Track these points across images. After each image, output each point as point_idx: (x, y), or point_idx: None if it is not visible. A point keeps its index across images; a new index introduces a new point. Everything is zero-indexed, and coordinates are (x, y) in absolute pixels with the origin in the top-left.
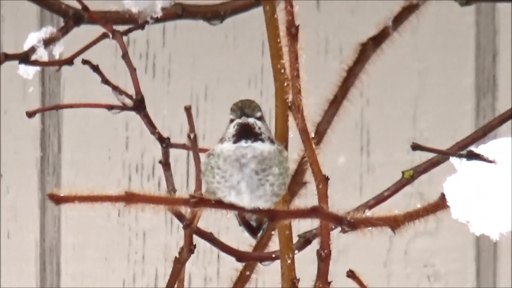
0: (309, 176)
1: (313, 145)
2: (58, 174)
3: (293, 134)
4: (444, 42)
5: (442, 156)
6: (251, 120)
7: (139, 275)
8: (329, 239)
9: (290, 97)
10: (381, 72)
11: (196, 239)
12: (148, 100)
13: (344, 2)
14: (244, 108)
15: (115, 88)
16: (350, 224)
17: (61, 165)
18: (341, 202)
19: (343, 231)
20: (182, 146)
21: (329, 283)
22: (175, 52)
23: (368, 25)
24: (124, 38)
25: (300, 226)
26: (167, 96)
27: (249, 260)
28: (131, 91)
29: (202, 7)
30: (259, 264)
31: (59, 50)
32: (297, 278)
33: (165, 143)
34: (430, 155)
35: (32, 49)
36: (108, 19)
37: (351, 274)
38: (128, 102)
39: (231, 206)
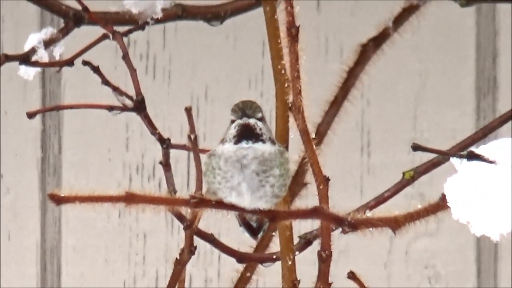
0: (309, 177)
1: (314, 146)
2: (58, 174)
3: (294, 135)
4: (445, 43)
5: (442, 157)
6: (252, 121)
7: (140, 276)
8: (329, 240)
9: (290, 98)
10: (382, 73)
11: (197, 240)
12: (149, 101)
13: (344, 3)
14: (245, 108)
15: (116, 89)
16: (351, 225)
17: (61, 166)
18: (341, 202)
19: (344, 232)
20: (183, 147)
21: (330, 284)
22: (176, 53)
23: (369, 26)
24: (125, 39)
25: (301, 227)
26: (168, 97)
27: (250, 261)
28: (132, 92)
29: (202, 8)
30: (259, 265)
31: (59, 51)
32: (298, 279)
33: (166, 143)
34: (431, 156)
35: (33, 50)
36: (108, 20)
37: (351, 275)
38: (129, 103)
39: (231, 207)
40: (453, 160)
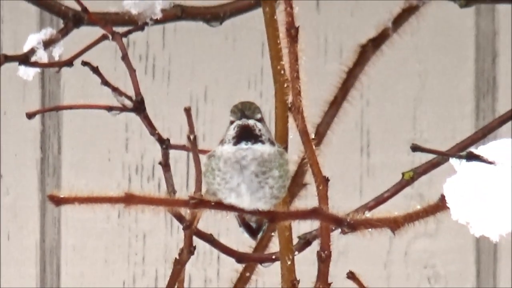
0: (309, 177)
1: (313, 146)
2: (58, 175)
3: (293, 135)
4: (444, 44)
5: (442, 157)
6: (251, 122)
7: (139, 276)
8: (329, 240)
9: (290, 99)
10: (381, 73)
11: (196, 240)
12: (148, 101)
13: (344, 3)
14: (244, 109)
15: (115, 90)
16: (350, 225)
17: (61, 166)
18: (341, 203)
19: (343, 232)
20: (182, 147)
21: (329, 284)
22: (175, 53)
23: (368, 26)
24: (124, 40)
25: (300, 227)
26: (167, 97)
27: (249, 261)
28: (131, 92)
29: (201, 8)
30: (259, 266)
31: (58, 52)
32: (297, 279)
33: (165, 144)
34: (430, 156)
35: (32, 51)
36: (107, 20)
37: (351, 275)
38: (128, 103)
39: (231, 208)
40: (453, 161)
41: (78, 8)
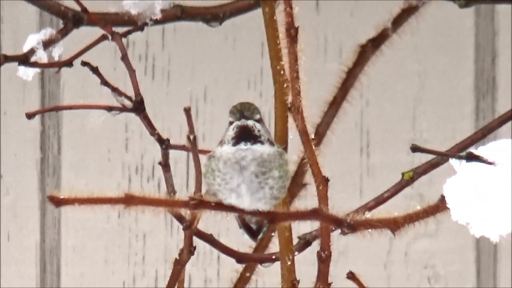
0: (309, 178)
1: (313, 147)
2: (58, 175)
3: (293, 135)
4: (444, 44)
5: (441, 158)
6: (250, 123)
7: (139, 276)
8: (329, 241)
9: (289, 99)
10: (381, 73)
11: (196, 240)
12: (148, 102)
13: (344, 4)
14: (243, 110)
15: (115, 90)
16: (350, 226)
17: (61, 166)
18: (341, 203)
19: (343, 233)
20: (182, 148)
21: (329, 284)
22: (175, 53)
23: (368, 26)
24: (124, 40)
25: (300, 227)
26: (167, 98)
27: (249, 262)
28: (131, 92)
29: (201, 9)
30: (259, 266)
31: (58, 52)
32: (297, 279)
33: (165, 144)
34: (430, 157)
35: (32, 51)
36: (107, 21)
37: (351, 276)
38: (128, 103)
39: (231, 208)
40: (452, 161)
41: (77, 8)
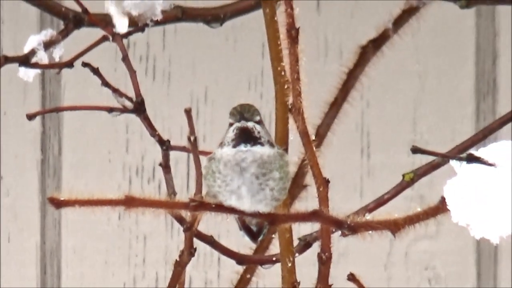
0: (309, 179)
1: (314, 148)
2: (58, 176)
3: (294, 136)
4: (444, 45)
5: (442, 159)
6: (250, 124)
7: (140, 278)
8: (329, 242)
9: (290, 100)
10: (381, 74)
11: (197, 242)
12: (148, 103)
13: (344, 4)
14: (243, 112)
15: (115, 91)
16: (350, 228)
17: (61, 168)
18: (341, 204)
19: (343, 235)
20: (182, 149)
21: (330, 286)
22: (175, 54)
23: (368, 27)
24: (124, 41)
25: (301, 229)
26: (167, 99)
27: (250, 263)
28: (131, 93)
29: (202, 9)
30: (259, 267)
31: (59, 53)
32: (298, 281)
33: (165, 145)
34: (430, 158)
35: (32, 52)
36: (108, 21)
37: (351, 277)
38: (128, 104)
39: (231, 210)
40: (453, 163)
41: (78, 9)
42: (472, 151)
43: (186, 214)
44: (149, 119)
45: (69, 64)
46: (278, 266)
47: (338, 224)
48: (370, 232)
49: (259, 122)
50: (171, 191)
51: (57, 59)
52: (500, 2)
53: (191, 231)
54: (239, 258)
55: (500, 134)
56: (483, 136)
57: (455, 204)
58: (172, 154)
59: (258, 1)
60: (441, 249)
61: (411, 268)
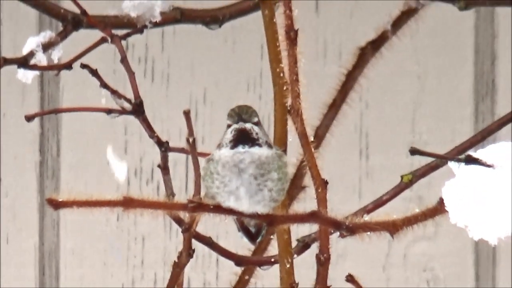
0: (308, 180)
1: (312, 149)
2: (57, 177)
3: (292, 138)
4: (443, 46)
5: (441, 160)
6: (248, 126)
7: (138, 279)
8: (328, 243)
9: (289, 101)
10: (380, 76)
11: (195, 243)
12: (147, 104)
13: (343, 5)
14: (241, 113)
15: (114, 92)
16: (349, 229)
17: (60, 169)
18: (340, 205)
19: (342, 236)
20: (181, 150)
21: (328, 287)
22: (174, 56)
23: (367, 29)
24: (123, 43)
25: (299, 230)
26: (166, 100)
27: (248, 265)
28: (130, 95)
29: (201, 11)
30: (258, 269)
31: (58, 55)
32: (296, 282)
33: (164, 147)
34: (429, 159)
35: (31, 54)
36: (107, 23)
37: (350, 278)
38: (127, 106)
39: (229, 211)
40: (451, 164)
41: (77, 11)
42: (471, 152)
43: (185, 215)
44: (147, 120)
45: (68, 65)
46: (276, 267)
47: (337, 225)
48: (369, 233)
49: (257, 124)
50: (170, 193)
51: (55, 61)
52: (499, 4)
53: (189, 232)
54: (237, 259)
55: (499, 135)
56: (481, 137)
57: (454, 205)
58: (171, 155)
59: (257, 3)
60: (440, 250)
61: (410, 269)
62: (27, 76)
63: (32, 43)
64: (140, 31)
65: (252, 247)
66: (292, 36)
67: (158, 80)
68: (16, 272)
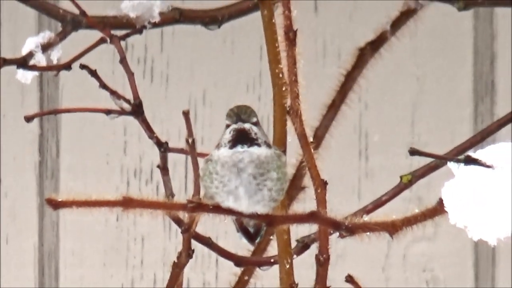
0: (307, 181)
1: (312, 150)
2: (56, 178)
3: (292, 138)
4: (442, 47)
5: (440, 161)
6: (247, 126)
7: (138, 279)
8: (327, 244)
9: (288, 102)
10: (379, 76)
11: (195, 243)
12: (146, 105)
13: (342, 7)
14: (240, 113)
15: (113, 93)
16: (348, 229)
17: (59, 170)
18: (339, 206)
19: (341, 236)
20: (180, 151)
21: (328, 287)
22: (173, 56)
23: (366, 30)
24: (122, 43)
25: (299, 230)
26: (165, 101)
27: (248, 265)
28: (129, 95)
29: (200, 12)
30: (257, 269)
31: (57, 55)
32: (296, 282)
33: (163, 147)
34: (429, 160)
35: (30, 54)
36: (106, 24)
37: (349, 279)
38: (126, 106)
39: (229, 211)
40: (451, 165)
41: (76, 11)
42: (470, 153)
43: (184, 216)
44: (147, 121)
45: (67, 66)
46: (276, 267)
47: (336, 225)
48: (368, 233)
49: (256, 124)
50: (169, 193)
51: (55, 61)
52: (498, 4)
53: (189, 233)
54: (237, 260)
55: (498, 136)
56: (481, 138)
57: (453, 205)
58: (170, 156)
59: (256, 3)
60: (439, 250)
61: (409, 270)
62: (26, 76)
63: (31, 43)
64: (139, 31)
65: (251, 247)
66: (291, 36)
67: (157, 80)
68: (15, 273)
